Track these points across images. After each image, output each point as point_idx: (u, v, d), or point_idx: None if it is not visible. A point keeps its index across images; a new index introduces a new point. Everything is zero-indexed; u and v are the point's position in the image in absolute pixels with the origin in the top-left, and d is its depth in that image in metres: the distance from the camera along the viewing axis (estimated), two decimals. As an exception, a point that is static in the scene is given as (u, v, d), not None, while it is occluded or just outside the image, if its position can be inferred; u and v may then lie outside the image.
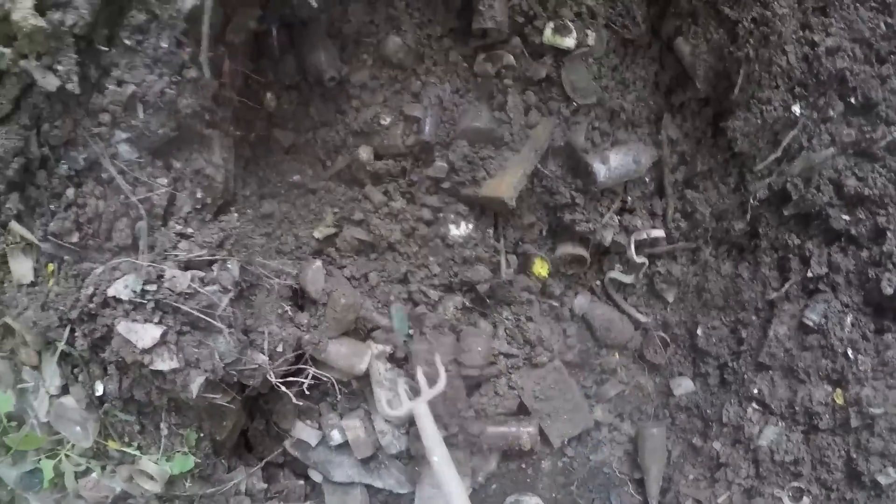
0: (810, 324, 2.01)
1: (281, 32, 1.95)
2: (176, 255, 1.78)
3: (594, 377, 2.27)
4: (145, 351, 1.75)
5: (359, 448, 2.14)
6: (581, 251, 2.09)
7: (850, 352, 1.98)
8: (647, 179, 2.09)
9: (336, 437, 2.16)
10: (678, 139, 2.06)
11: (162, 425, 2.00)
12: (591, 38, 1.91)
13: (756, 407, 2.13)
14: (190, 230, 1.79)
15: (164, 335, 1.75)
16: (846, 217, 1.97)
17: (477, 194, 1.91)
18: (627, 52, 2.02)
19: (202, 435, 2.04)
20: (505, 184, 1.87)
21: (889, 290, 1.88)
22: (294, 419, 2.16)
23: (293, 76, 1.99)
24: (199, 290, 1.74)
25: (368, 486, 2.25)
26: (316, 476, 2.26)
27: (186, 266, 1.79)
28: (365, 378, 2.14)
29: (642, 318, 2.24)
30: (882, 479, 1.93)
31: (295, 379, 1.99)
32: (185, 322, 1.78)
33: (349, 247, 2.05)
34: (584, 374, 2.26)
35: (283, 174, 2.03)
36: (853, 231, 1.96)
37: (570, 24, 1.87)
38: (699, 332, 2.22)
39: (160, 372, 1.79)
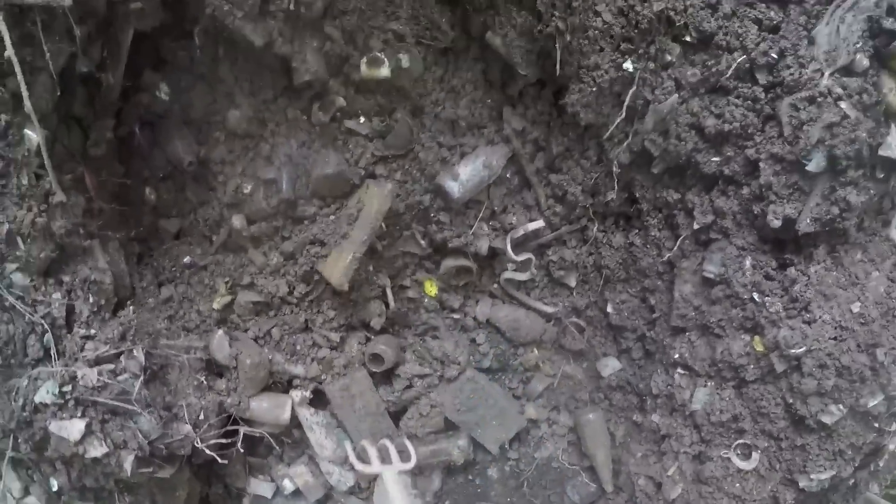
0: (711, 276, 1.98)
1: (145, 131, 2.19)
2: (85, 356, 2.03)
3: (518, 377, 2.30)
4: (77, 443, 2.01)
5: (310, 492, 2.30)
6: (464, 262, 2.15)
7: (756, 296, 1.93)
8: (508, 175, 2.12)
9: (288, 485, 2.33)
10: (526, 128, 2.09)
11: (116, 507, 2.24)
12: (405, 60, 1.98)
13: (682, 372, 2.10)
14: (93, 331, 2.04)
15: (88, 426, 2.01)
16: (716, 158, 1.93)
17: (320, 272, 2.04)
18: (449, 60, 2.08)
19: None
20: (337, 270, 2.00)
21: (776, 223, 1.83)
22: (247, 477, 2.35)
23: (165, 167, 2.23)
24: (108, 381, 1.99)
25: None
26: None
27: (96, 362, 2.04)
28: (300, 427, 2.28)
29: (549, 309, 2.25)
30: (826, 419, 1.87)
31: (228, 441, 2.17)
32: (106, 411, 2.03)
33: (246, 310, 2.22)
34: (508, 376, 2.29)
35: (175, 258, 2.25)
36: (726, 170, 1.91)
37: (379, 55, 1.95)
38: (610, 308, 2.21)
39: (96, 458, 2.04)
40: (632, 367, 2.26)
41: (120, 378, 2.05)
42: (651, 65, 1.89)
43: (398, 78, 2.01)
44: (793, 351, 1.84)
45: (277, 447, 2.29)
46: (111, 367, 2.05)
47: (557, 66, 1.92)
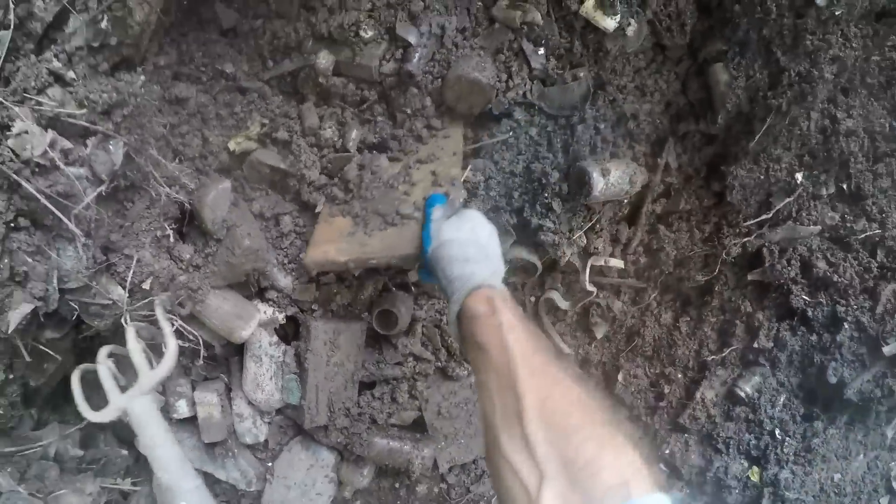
0: (742, 395, 1.93)
1: None
2: (39, 104, 1.19)
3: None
4: (-47, 243, 1.16)
5: (209, 430, 1.66)
6: (535, 260, 1.76)
7: (777, 432, 1.91)
8: (624, 201, 1.80)
9: (182, 409, 1.67)
10: (671, 169, 1.80)
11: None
12: (632, 28, 1.62)
13: (663, 468, 1.99)
14: (72, 75, 1.23)
15: (-15, 225, 1.16)
16: (806, 298, 1.88)
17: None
18: (656, 58, 1.78)
19: (11, 377, 1.47)
20: (319, 250, 1.48)
21: (833, 379, 1.83)
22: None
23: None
24: (60, 164, 1.16)
25: (207, 475, 1.73)
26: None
27: (50, 126, 1.20)
28: (233, 346, 1.63)
29: (566, 349, 1.97)
30: (773, 566, 1.91)
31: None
32: (24, 211, 1.19)
33: (258, 176, 1.57)
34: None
35: (214, 59, 1.52)
36: (809, 313, 1.88)
37: (617, 3, 1.54)
38: (620, 377, 2.02)
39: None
40: (609, 442, 2.05)
41: (72, 171, 1.25)
42: (811, 188, 1.79)
43: (615, 39, 1.61)
44: (787, 493, 1.86)
45: (197, 360, 1.58)
46: (68, 146, 1.25)
47: (756, 137, 1.72)
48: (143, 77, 1.30)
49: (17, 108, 1.16)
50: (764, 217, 1.80)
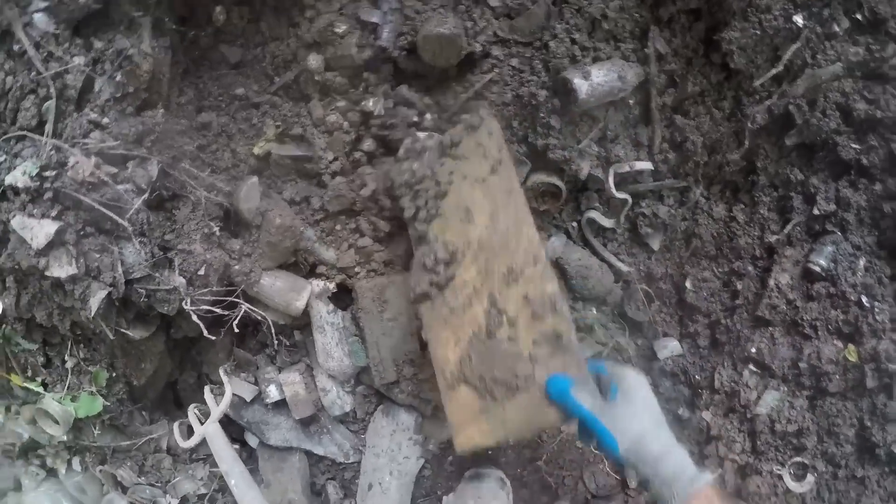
0: (817, 269, 1.66)
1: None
2: (86, 144, 1.45)
3: (569, 334, 1.84)
4: (40, 252, 1.41)
5: (297, 407, 1.76)
6: (555, 181, 1.72)
7: (864, 299, 1.63)
8: (630, 102, 1.75)
9: (273, 393, 1.78)
10: (667, 56, 1.74)
11: (67, 357, 1.64)
12: None
13: (754, 369, 1.74)
14: (105, 120, 1.50)
15: (60, 233, 1.44)
16: (856, 146, 1.66)
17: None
18: None
19: (114, 375, 1.73)
20: (464, 436, 1.38)
21: None
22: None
23: (244, -9, 1.71)
24: (106, 179, 1.40)
25: (308, 453, 1.82)
26: (252, 440, 1.86)
27: (96, 156, 1.47)
28: (307, 328, 1.76)
29: (624, 268, 1.85)
30: (898, 450, 1.55)
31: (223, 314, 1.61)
32: (88, 221, 1.46)
33: (283, 169, 1.75)
34: (558, 330, 1.82)
35: (227, 87, 1.75)
36: (864, 161, 1.64)
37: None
38: (688, 284, 1.85)
39: (58, 283, 1.45)
40: (693, 354, 1.88)
41: (120, 187, 1.48)
42: (819, 29, 1.62)
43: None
44: (891, 366, 1.55)
45: (276, 341, 1.73)
46: (112, 170, 1.48)
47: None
48: (161, 111, 1.55)
49: (70, 150, 1.45)
50: (774, 71, 1.64)
